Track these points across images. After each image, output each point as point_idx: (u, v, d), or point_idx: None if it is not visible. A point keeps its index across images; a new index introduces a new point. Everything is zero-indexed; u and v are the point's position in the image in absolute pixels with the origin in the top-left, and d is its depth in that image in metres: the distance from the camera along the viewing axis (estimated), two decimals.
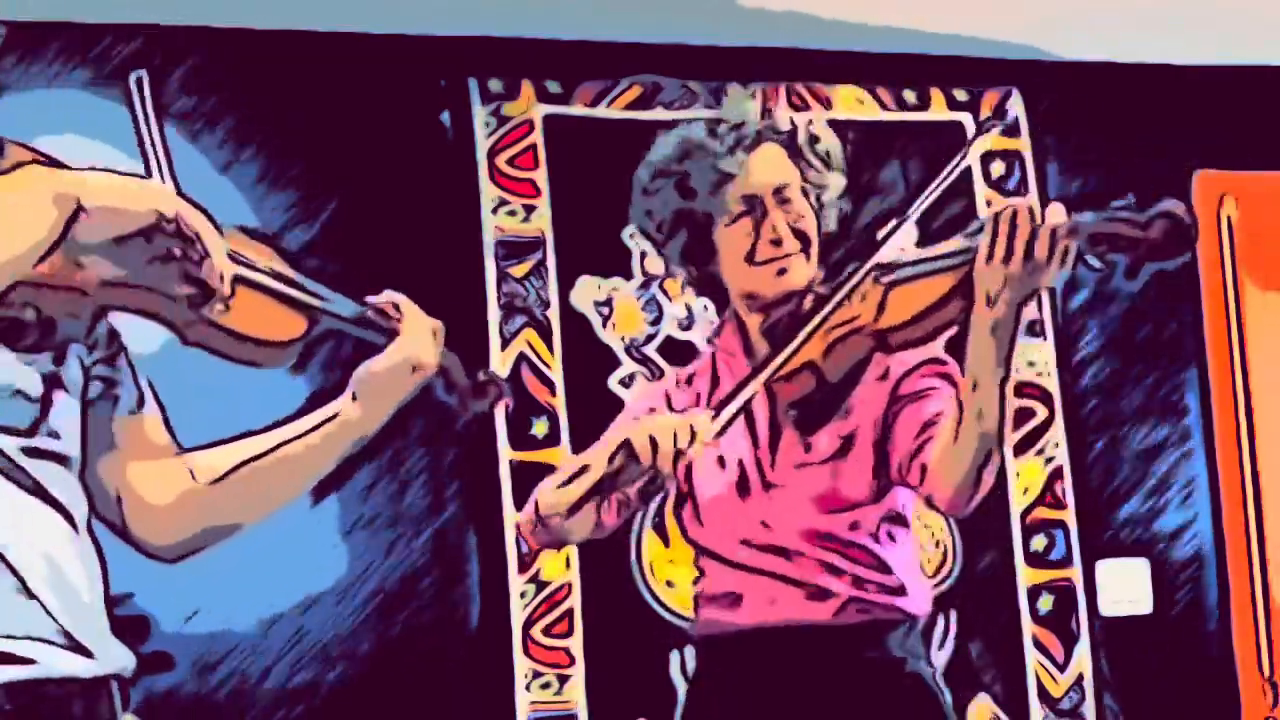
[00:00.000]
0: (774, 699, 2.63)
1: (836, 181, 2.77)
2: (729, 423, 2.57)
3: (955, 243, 2.52)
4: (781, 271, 2.67)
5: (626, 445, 2.51)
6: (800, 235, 2.69)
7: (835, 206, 2.77)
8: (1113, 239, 2.38)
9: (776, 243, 2.67)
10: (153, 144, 1.91)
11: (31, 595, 1.79)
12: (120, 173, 1.86)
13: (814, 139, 2.76)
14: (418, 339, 2.09)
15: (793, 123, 2.76)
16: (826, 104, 4.43)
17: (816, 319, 2.56)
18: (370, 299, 2.12)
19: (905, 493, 2.67)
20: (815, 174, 2.74)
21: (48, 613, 1.80)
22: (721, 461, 2.70)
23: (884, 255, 2.57)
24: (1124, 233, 2.37)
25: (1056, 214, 2.41)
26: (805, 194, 2.72)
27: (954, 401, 2.50)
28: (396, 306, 2.11)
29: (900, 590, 2.67)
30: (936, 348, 2.65)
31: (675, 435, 2.47)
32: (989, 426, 2.45)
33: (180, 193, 1.88)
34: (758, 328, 2.70)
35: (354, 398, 2.08)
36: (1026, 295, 2.42)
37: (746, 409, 2.68)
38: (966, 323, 2.48)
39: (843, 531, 2.64)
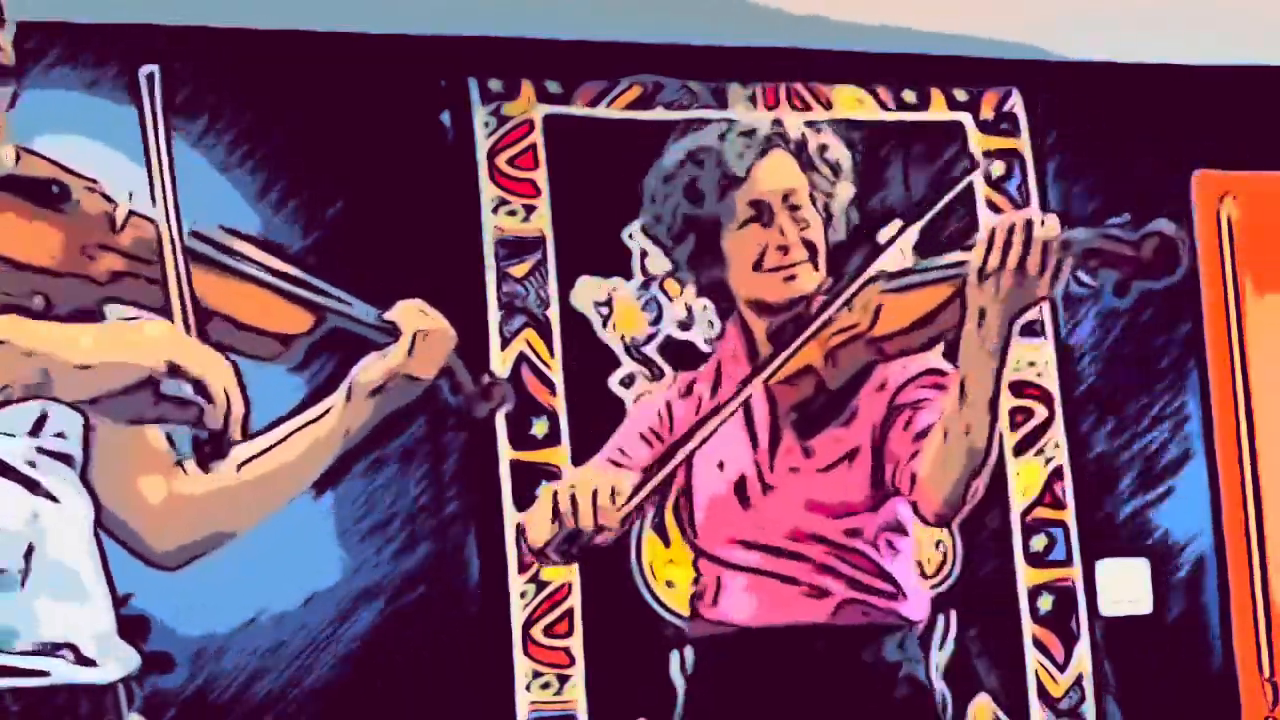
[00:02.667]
0: (770, 699, 2.63)
1: (845, 190, 2.77)
2: (692, 450, 2.57)
3: (953, 255, 2.50)
4: (789, 279, 2.67)
5: (552, 503, 2.48)
6: (808, 244, 2.68)
7: (844, 215, 2.76)
8: (1105, 255, 2.37)
9: (784, 250, 2.67)
10: (157, 146, 1.87)
11: (42, 606, 1.79)
12: (117, 316, 1.77)
13: (823, 148, 2.75)
14: (411, 349, 2.09)
15: (802, 132, 2.75)
16: (826, 104, 4.43)
17: (810, 329, 2.56)
18: (387, 313, 2.11)
19: (905, 502, 2.66)
20: (824, 182, 2.73)
21: (58, 624, 1.79)
22: (721, 464, 2.70)
23: (884, 264, 2.56)
24: (1115, 250, 2.36)
25: (1051, 228, 2.39)
26: (814, 201, 2.71)
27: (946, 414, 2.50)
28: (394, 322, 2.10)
29: (897, 595, 2.67)
30: (937, 358, 2.65)
31: (595, 493, 2.44)
32: (977, 441, 2.44)
33: (178, 217, 1.82)
34: (763, 333, 2.70)
35: (347, 398, 2.09)
36: (1018, 310, 2.41)
37: (747, 411, 2.68)
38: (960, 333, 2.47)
39: (839, 537, 2.64)
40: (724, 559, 2.71)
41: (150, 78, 1.85)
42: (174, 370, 1.65)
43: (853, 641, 2.64)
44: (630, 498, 2.47)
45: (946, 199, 2.67)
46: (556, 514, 2.48)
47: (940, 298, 2.49)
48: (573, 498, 2.46)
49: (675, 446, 2.59)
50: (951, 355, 2.50)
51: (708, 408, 2.68)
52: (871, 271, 2.55)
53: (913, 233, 2.63)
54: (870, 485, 2.64)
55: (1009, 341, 2.42)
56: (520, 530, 2.82)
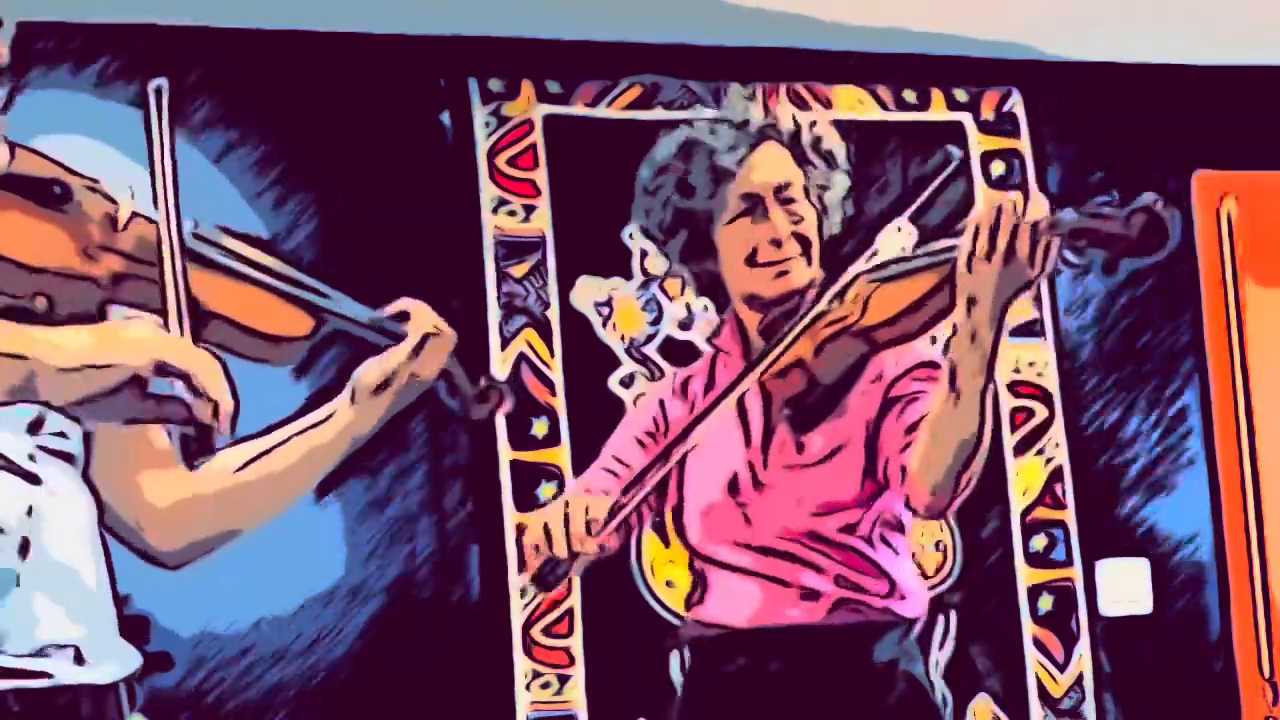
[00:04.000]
0: (765, 701, 2.61)
1: (840, 182, 2.73)
2: (667, 456, 2.54)
3: (943, 242, 2.47)
4: (782, 274, 2.63)
5: (521, 542, 2.51)
6: (801, 239, 2.65)
7: (839, 208, 2.73)
8: (1093, 234, 2.33)
9: (777, 244, 2.63)
10: (163, 159, 1.87)
11: (43, 607, 1.78)
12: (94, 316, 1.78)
13: (817, 139, 2.71)
14: (423, 348, 2.09)
15: (795, 123, 2.71)
16: (826, 104, 4.43)
17: (801, 324, 2.53)
18: (387, 308, 2.11)
19: (900, 497, 2.63)
20: (819, 174, 2.70)
21: (59, 625, 1.79)
22: (713, 463, 2.67)
23: (875, 256, 2.53)
24: (1103, 229, 2.31)
25: (1038, 208, 2.34)
26: (807, 194, 2.68)
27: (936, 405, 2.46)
28: (407, 314, 2.10)
29: (892, 593, 2.64)
30: (932, 351, 2.63)
31: (568, 519, 2.40)
32: (967, 432, 2.41)
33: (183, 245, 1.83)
34: (755, 327, 2.67)
35: (352, 400, 2.09)
36: (1010, 296, 2.36)
37: (740, 408, 2.65)
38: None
39: (833, 534, 2.62)
40: (716, 559, 2.69)
41: (159, 91, 1.85)
42: (161, 368, 1.66)
43: (846, 641, 2.61)
44: (608, 521, 2.43)
45: (930, 189, 2.59)
46: (536, 545, 2.45)
47: (929, 284, 2.46)
48: (546, 527, 2.43)
49: (670, 447, 2.56)
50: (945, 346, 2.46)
51: (701, 405, 2.65)
52: (861, 264, 2.52)
53: (911, 229, 2.62)
54: (862, 479, 2.61)
55: (1000, 330, 2.38)
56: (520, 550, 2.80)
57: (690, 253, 2.73)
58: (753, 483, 2.66)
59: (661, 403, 2.77)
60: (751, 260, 2.65)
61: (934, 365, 2.59)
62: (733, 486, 2.67)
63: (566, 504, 2.45)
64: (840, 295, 2.53)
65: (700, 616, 2.73)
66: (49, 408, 1.77)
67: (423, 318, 2.10)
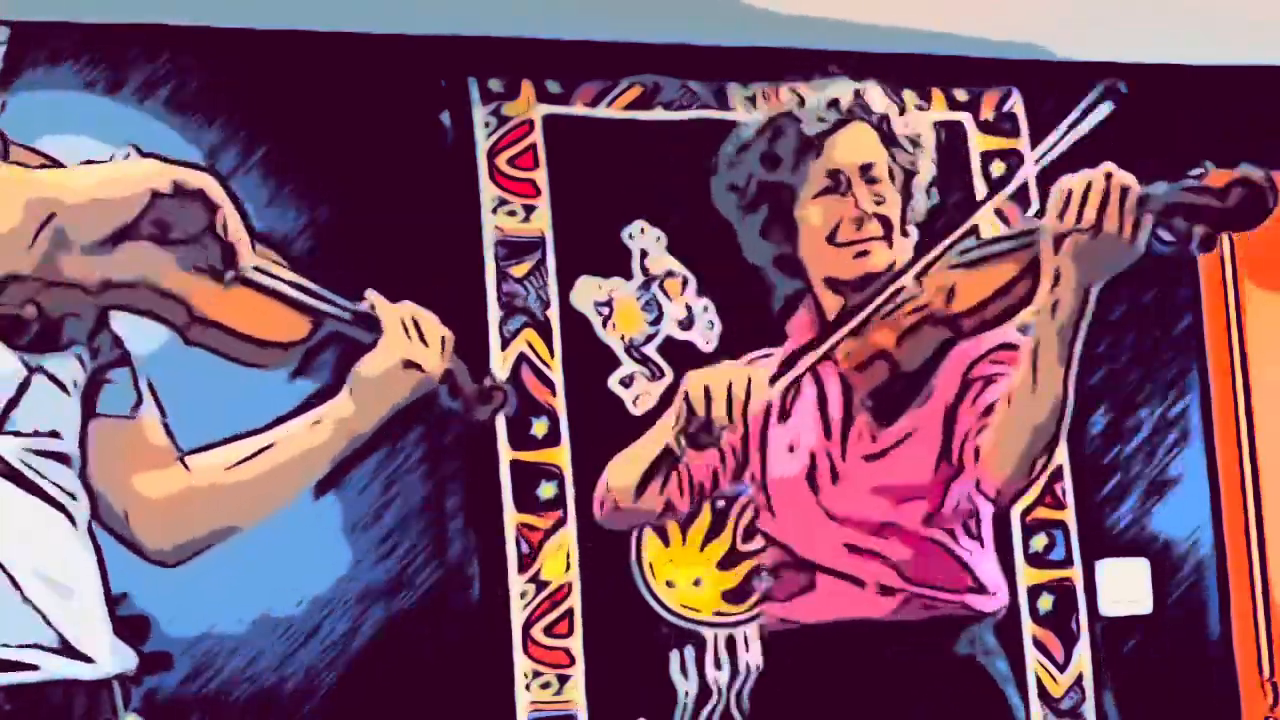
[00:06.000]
0: (838, 696, 2.58)
1: (927, 168, 2.69)
2: (790, 385, 2.51)
3: (1030, 222, 2.43)
4: (862, 254, 2.59)
5: (684, 397, 2.45)
6: (883, 220, 2.60)
7: (924, 194, 2.68)
8: (1188, 209, 2.27)
9: (858, 223, 2.59)
10: None
11: (32, 601, 1.78)
12: (103, 161, 1.84)
13: (907, 123, 2.68)
14: (404, 336, 2.09)
15: (886, 104, 2.67)
16: None
17: (877, 302, 2.48)
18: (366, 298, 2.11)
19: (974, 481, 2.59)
20: (905, 157, 2.66)
21: (49, 620, 1.79)
22: (792, 451, 2.64)
23: (963, 239, 2.48)
24: (1199, 202, 2.26)
25: (1127, 182, 2.29)
26: (893, 177, 2.64)
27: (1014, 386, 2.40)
28: (373, 305, 2.11)
29: (969, 587, 2.60)
30: (1012, 332, 2.56)
31: (730, 385, 2.41)
32: (1043, 415, 2.35)
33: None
34: (834, 312, 2.61)
35: (350, 395, 2.09)
36: (1102, 273, 2.30)
37: (821, 397, 2.62)
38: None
39: (913, 525, 2.57)
40: (795, 550, 2.65)
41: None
42: (178, 186, 1.76)
43: (919, 636, 2.56)
44: (773, 381, 2.45)
45: (1048, 155, 2.52)
46: (689, 407, 2.43)
47: (1016, 268, 2.40)
48: (706, 389, 2.42)
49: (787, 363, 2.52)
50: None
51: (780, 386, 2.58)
52: (939, 248, 2.47)
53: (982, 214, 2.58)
54: (936, 463, 2.55)
55: (1085, 309, 2.31)
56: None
57: (769, 229, 2.68)
58: (831, 473, 2.61)
59: None
60: (832, 238, 2.61)
61: (1014, 347, 2.53)
62: (811, 478, 2.63)
63: (726, 374, 2.45)
64: (920, 278, 2.48)
65: (775, 611, 2.70)
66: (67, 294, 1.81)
67: (390, 305, 2.10)
